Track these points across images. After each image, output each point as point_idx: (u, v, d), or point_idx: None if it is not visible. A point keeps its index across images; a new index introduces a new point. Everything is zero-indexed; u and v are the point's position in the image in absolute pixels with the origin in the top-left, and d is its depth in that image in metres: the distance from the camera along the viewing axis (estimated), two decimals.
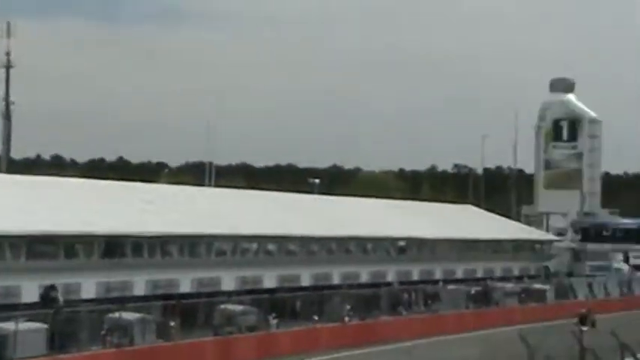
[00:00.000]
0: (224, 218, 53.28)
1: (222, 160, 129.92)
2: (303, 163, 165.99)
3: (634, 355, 28.08)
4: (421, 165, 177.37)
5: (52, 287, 38.42)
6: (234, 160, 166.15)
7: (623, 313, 59.51)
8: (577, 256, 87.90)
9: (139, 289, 44.11)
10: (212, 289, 47.69)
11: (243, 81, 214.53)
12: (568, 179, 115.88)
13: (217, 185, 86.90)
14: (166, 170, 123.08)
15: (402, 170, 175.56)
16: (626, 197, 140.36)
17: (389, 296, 54.19)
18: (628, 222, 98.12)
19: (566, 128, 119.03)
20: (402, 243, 65.18)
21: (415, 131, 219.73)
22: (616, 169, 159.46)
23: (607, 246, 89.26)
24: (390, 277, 61.32)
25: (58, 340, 33.11)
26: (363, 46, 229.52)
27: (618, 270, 79.99)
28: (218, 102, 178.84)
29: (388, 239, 63.64)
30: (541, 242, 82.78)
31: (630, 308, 64.13)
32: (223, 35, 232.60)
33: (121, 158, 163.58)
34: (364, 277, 59.55)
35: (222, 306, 41.83)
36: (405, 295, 55.53)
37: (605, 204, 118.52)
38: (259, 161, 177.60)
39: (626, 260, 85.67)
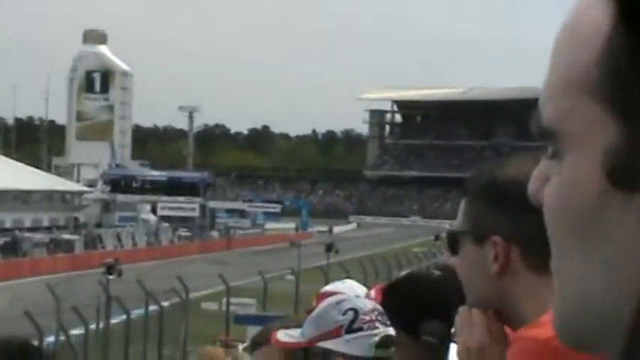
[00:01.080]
0: None
1: None
2: None
3: (158, 303, 29.34)
4: None
5: None
6: None
7: (150, 263, 61.25)
8: (107, 207, 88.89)
9: None
10: None
11: None
12: (99, 131, 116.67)
13: None
14: None
15: None
16: (156, 149, 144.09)
17: None
18: (156, 174, 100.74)
19: (98, 80, 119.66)
20: None
21: None
22: (146, 122, 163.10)
23: (136, 197, 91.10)
24: None
25: None
26: None
27: (145, 221, 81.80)
28: None
29: None
30: (71, 193, 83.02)
31: (156, 258, 66.10)
32: None
33: None
34: None
35: None
36: None
37: (135, 156, 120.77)
38: None
39: (154, 211, 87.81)
